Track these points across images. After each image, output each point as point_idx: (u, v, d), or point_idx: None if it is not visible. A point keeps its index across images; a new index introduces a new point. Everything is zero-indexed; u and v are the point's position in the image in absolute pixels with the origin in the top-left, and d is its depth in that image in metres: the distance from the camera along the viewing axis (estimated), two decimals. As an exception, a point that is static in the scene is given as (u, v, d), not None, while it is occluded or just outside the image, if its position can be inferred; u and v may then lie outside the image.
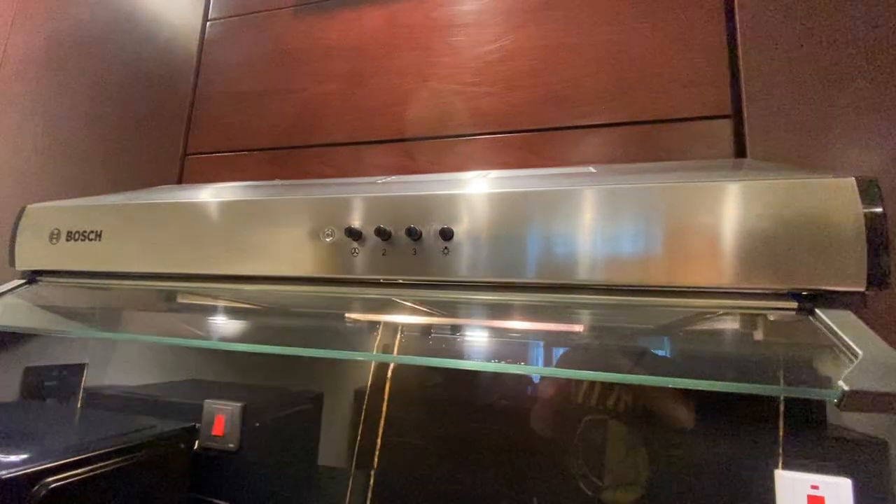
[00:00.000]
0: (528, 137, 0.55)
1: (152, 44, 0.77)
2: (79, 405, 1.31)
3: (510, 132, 0.56)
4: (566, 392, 0.99)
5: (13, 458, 0.70)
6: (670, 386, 0.30)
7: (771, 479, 0.75)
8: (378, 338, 1.02)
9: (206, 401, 1.09)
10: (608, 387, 0.95)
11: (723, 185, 0.28)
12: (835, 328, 0.23)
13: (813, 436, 0.78)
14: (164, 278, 0.40)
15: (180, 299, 0.68)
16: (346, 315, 0.67)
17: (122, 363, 1.44)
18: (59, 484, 0.69)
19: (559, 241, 0.30)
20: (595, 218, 0.30)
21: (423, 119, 0.59)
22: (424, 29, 0.61)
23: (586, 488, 0.93)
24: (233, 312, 0.67)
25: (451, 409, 1.03)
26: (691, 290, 0.27)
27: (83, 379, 1.39)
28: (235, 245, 0.37)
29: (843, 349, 0.22)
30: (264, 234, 0.37)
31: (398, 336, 1.09)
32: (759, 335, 0.41)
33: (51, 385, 1.36)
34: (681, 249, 0.28)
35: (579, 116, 0.53)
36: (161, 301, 0.67)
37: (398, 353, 1.10)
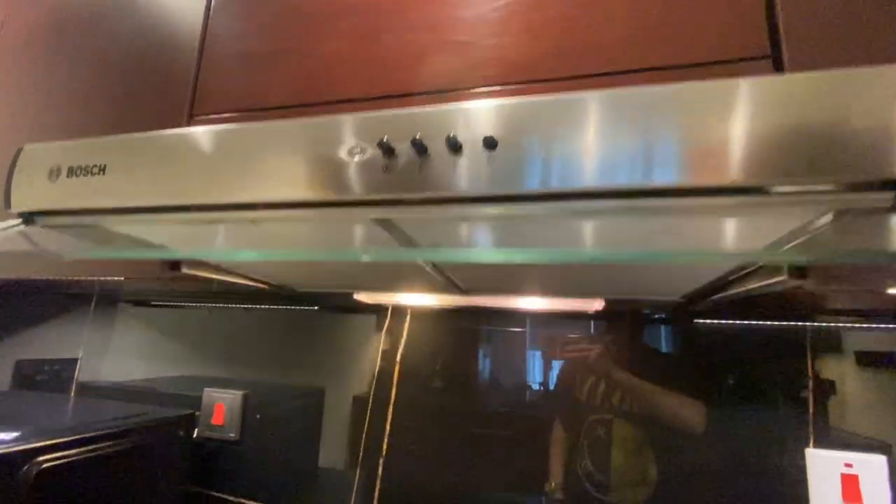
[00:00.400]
0: (552, 86, 0.52)
1: (158, 8, 0.75)
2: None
3: (532, 82, 0.53)
4: (570, 392, 0.96)
5: (3, 436, 0.66)
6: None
7: (802, 458, 0.72)
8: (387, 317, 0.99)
9: (206, 389, 1.05)
10: (612, 385, 0.92)
11: (780, 77, 0.25)
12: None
13: (845, 414, 0.75)
14: (175, 210, 0.37)
15: (185, 270, 0.64)
16: (353, 296, 0.64)
17: (117, 357, 1.40)
18: (51, 464, 0.65)
19: (578, 148, 0.27)
20: (645, 119, 0.27)
21: (439, 74, 0.57)
22: (440, -18, 0.59)
23: (593, 489, 0.90)
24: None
25: (454, 414, 0.99)
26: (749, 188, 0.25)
27: (76, 373, 1.34)
28: (251, 170, 0.35)
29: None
30: (274, 159, 0.34)
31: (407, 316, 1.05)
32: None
33: (42, 379, 1.31)
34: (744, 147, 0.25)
35: (604, 64, 0.51)
36: (165, 270, 0.63)
37: (407, 337, 1.07)
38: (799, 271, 0.44)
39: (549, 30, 0.54)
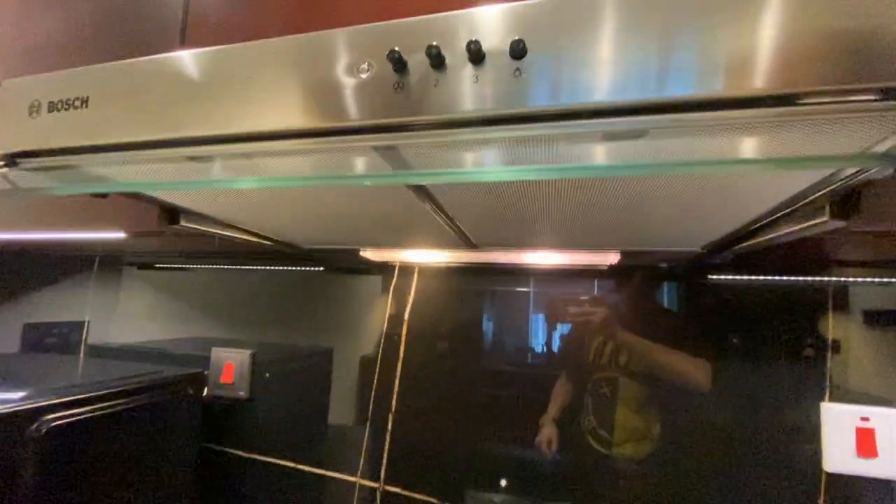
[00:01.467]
0: None
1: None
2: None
3: None
4: (577, 352, 0.95)
5: (12, 395, 0.66)
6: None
7: (817, 413, 0.71)
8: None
9: (214, 348, 1.04)
10: (619, 347, 0.91)
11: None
12: None
13: (863, 368, 0.73)
14: (164, 145, 0.33)
15: (183, 221, 0.62)
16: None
17: (125, 320, 1.40)
18: (59, 422, 0.65)
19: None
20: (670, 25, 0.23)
21: None
22: None
23: (596, 444, 0.91)
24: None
25: (461, 372, 0.99)
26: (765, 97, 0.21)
27: (85, 336, 1.35)
28: (245, 97, 0.31)
29: None
30: (280, 80, 0.31)
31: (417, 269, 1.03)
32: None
33: (51, 342, 1.31)
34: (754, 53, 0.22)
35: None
36: (164, 223, 0.60)
37: (415, 296, 1.05)
38: (842, 211, 0.41)
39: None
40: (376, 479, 0.97)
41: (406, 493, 0.94)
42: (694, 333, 0.86)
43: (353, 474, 0.99)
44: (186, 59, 0.34)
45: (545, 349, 1.00)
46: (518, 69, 0.25)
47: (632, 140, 0.26)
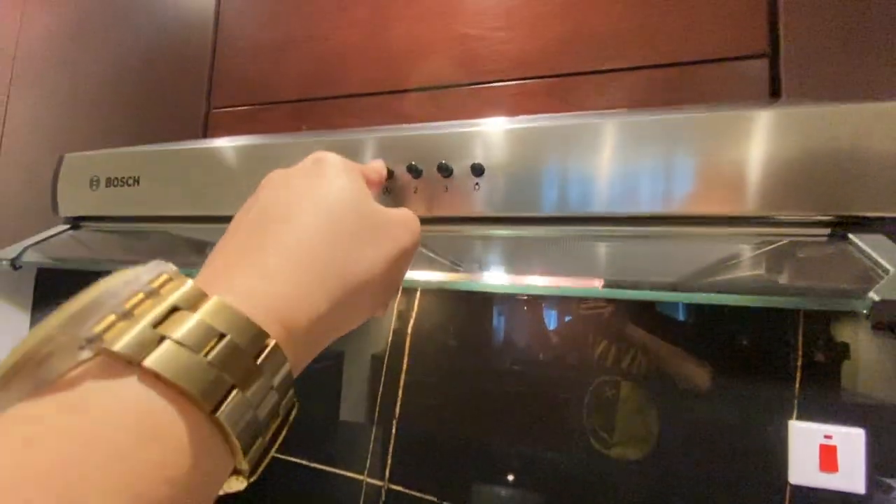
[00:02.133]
0: (556, 83, 0.54)
1: (173, 3, 0.76)
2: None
3: (538, 77, 0.55)
4: (581, 353, 1.01)
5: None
6: (700, 301, 0.31)
7: (786, 431, 0.77)
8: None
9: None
10: (624, 349, 0.97)
11: (755, 113, 0.28)
12: (867, 249, 0.23)
13: (829, 389, 0.79)
14: (199, 220, 0.41)
15: (209, 251, 0.70)
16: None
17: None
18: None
19: (590, 174, 0.30)
20: (625, 150, 0.30)
21: (447, 66, 0.58)
22: (447, -28, 0.59)
23: (597, 444, 0.97)
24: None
25: (468, 371, 1.06)
26: (722, 218, 0.28)
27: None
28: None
29: (875, 268, 0.22)
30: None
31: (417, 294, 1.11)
32: (788, 265, 0.41)
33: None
34: (712, 179, 0.28)
35: (608, 60, 0.52)
36: (192, 254, 0.69)
37: (417, 313, 1.13)
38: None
39: (553, 22, 0.55)
40: (381, 478, 1.06)
41: (410, 492, 1.03)
42: (694, 334, 0.90)
43: (360, 472, 1.08)
44: (224, 148, 0.41)
45: (554, 348, 1.05)
46: (477, 184, 0.32)
47: (604, 242, 0.33)
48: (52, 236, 0.47)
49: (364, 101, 0.61)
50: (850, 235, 0.25)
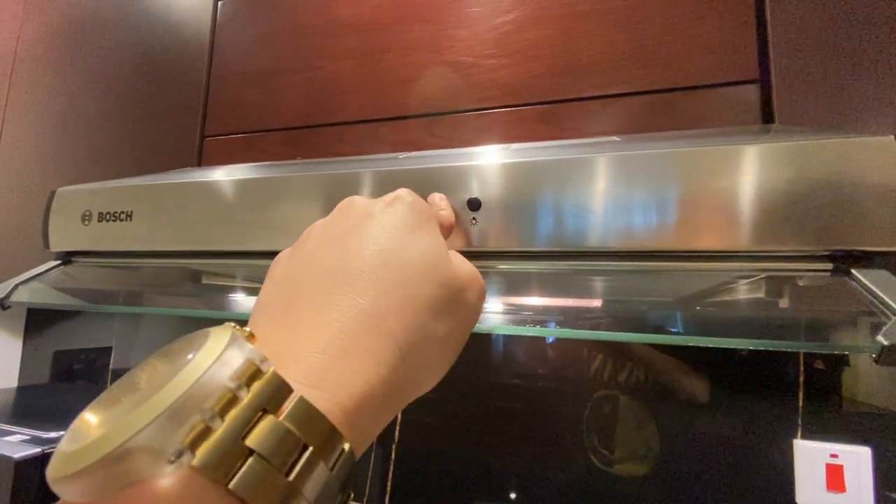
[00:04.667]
0: (548, 109, 0.54)
1: (164, 27, 0.77)
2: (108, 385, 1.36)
3: (529, 104, 0.55)
4: (579, 368, 1.00)
5: (52, 434, 0.73)
6: (704, 345, 0.31)
7: (791, 449, 0.76)
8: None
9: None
10: (620, 362, 0.96)
11: (757, 147, 0.27)
12: (872, 287, 0.23)
13: (833, 407, 0.78)
14: (192, 256, 0.41)
15: (205, 280, 0.69)
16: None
17: (147, 345, 1.49)
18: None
19: (589, 209, 0.30)
20: (625, 184, 0.30)
21: (439, 93, 0.59)
22: (438, 1, 0.60)
23: (597, 461, 0.96)
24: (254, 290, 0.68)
25: (467, 388, 1.05)
26: (724, 254, 0.27)
27: (111, 361, 1.44)
28: (262, 222, 0.38)
29: (881, 307, 0.22)
30: (291, 210, 0.38)
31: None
32: (783, 303, 0.41)
33: (79, 368, 1.41)
34: (713, 214, 0.28)
35: (600, 86, 0.53)
36: (187, 283, 0.68)
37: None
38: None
39: (544, 50, 0.55)
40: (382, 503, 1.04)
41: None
42: (694, 346, 0.90)
43: (359, 500, 1.05)
44: (218, 182, 0.41)
45: (553, 363, 1.04)
46: (474, 218, 0.32)
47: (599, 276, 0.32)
48: (43, 272, 0.46)
49: (357, 129, 0.61)
50: (854, 271, 0.24)
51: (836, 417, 0.77)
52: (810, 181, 0.26)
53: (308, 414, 0.14)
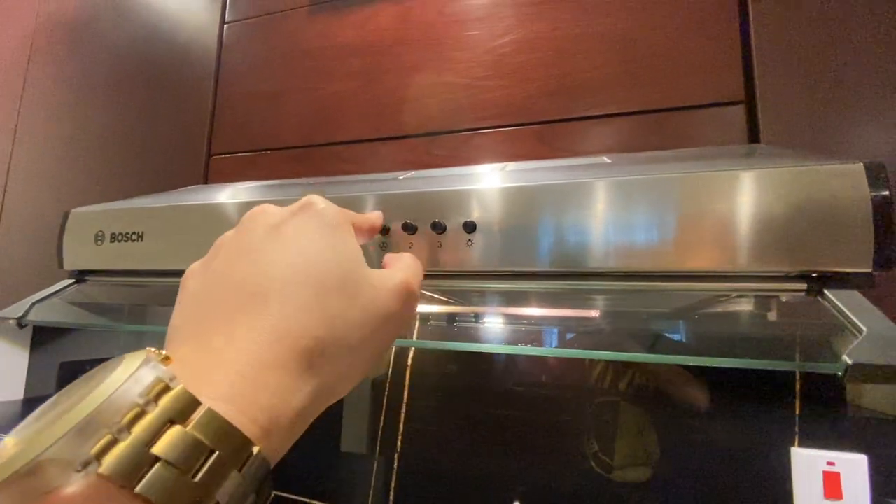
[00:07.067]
0: (543, 129, 0.56)
1: (172, 49, 0.79)
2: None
3: (524, 124, 0.57)
4: (580, 375, 1.01)
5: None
6: (688, 364, 0.32)
7: (788, 457, 0.76)
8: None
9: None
10: (621, 369, 0.97)
11: (735, 173, 0.29)
12: (842, 307, 0.24)
13: (830, 414, 0.79)
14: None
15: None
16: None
17: (152, 356, 1.50)
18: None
19: (579, 231, 0.32)
20: (612, 208, 0.31)
21: (438, 114, 0.61)
22: (437, 24, 0.62)
23: (598, 468, 0.96)
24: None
25: (468, 396, 1.05)
26: (704, 274, 0.29)
27: (115, 372, 1.45)
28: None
29: (850, 327, 0.23)
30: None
31: (426, 324, 1.11)
32: (771, 316, 0.42)
33: (85, 378, 1.42)
34: (694, 236, 0.29)
35: (592, 106, 0.55)
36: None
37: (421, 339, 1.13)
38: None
39: (539, 71, 0.57)
40: (384, 514, 1.04)
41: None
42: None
43: (362, 510, 1.06)
44: (226, 204, 0.43)
45: (553, 370, 1.04)
46: (470, 240, 0.34)
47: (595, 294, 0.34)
48: (57, 291, 0.48)
49: (359, 148, 0.63)
50: (826, 292, 0.26)
51: (832, 425, 0.78)
52: (786, 205, 0.28)
53: (216, 423, 0.15)
